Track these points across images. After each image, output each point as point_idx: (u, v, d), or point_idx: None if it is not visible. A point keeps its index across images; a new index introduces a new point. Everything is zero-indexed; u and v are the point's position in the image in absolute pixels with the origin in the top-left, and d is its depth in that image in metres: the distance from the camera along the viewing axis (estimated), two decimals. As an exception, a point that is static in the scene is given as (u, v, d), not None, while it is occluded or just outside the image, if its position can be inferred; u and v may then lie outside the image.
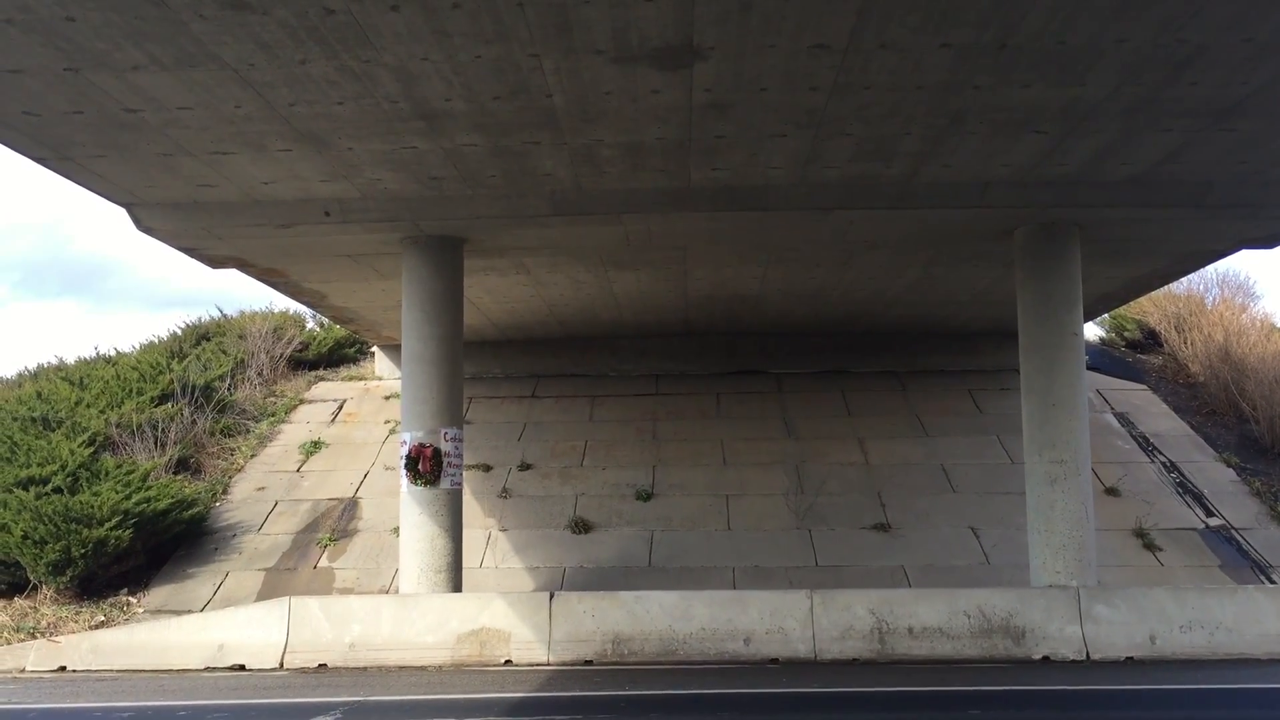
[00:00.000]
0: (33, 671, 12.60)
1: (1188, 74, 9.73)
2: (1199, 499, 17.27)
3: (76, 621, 14.26)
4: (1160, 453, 18.67)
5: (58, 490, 15.55)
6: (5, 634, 13.79)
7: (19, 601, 14.71)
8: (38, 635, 13.69)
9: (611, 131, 10.98)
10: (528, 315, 19.41)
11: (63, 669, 12.62)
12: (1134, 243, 14.86)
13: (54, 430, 17.45)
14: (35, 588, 14.85)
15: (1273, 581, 15.08)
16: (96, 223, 74.23)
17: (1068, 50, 9.25)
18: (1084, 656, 12.33)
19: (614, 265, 16.05)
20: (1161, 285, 18.91)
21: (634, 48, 9.10)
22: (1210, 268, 19.88)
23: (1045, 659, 12.33)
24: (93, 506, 14.95)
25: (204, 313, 31.57)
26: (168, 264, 77.13)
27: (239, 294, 47.55)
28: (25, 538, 14.47)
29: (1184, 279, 20.03)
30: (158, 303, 63.58)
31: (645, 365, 21.50)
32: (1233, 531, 16.41)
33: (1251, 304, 23.26)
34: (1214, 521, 16.67)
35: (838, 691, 10.66)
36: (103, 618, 14.45)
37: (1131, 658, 12.30)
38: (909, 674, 11.60)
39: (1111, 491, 17.28)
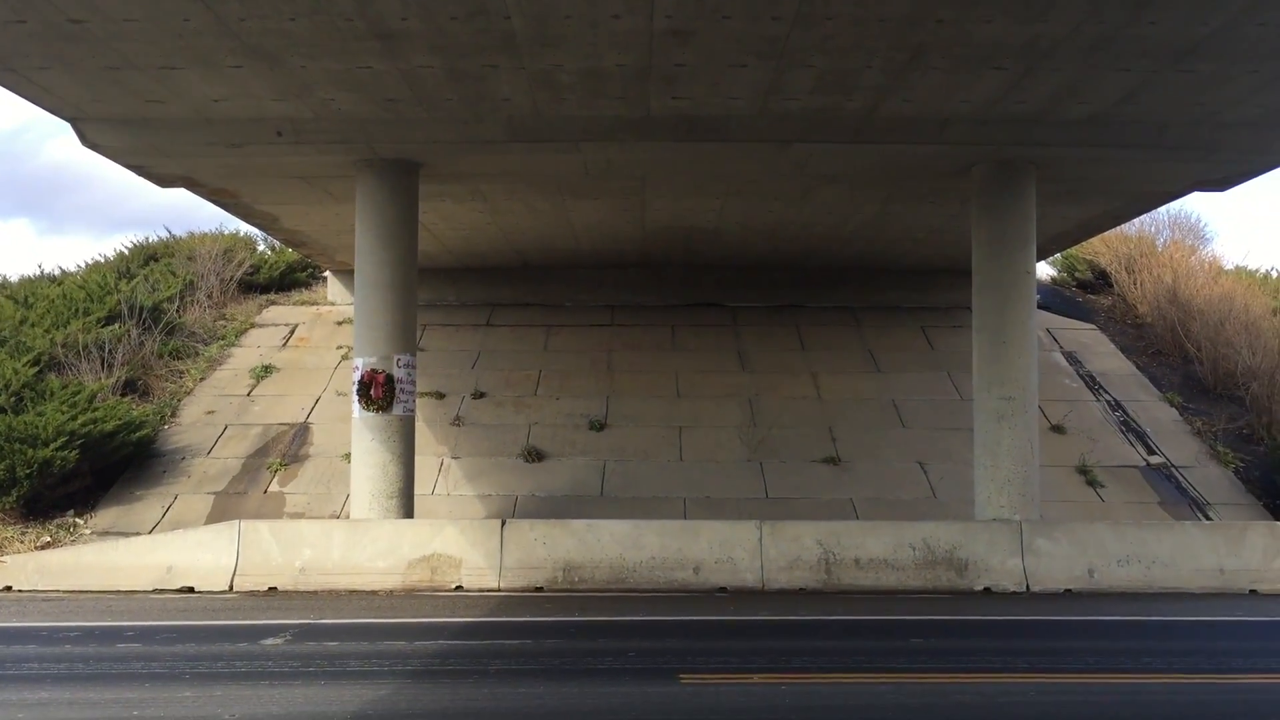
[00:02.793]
0: (-22, 591, 12.53)
1: (1148, 13, 9.74)
2: (1141, 437, 17.63)
3: (22, 542, 14.14)
4: (1106, 391, 18.99)
5: (1, 410, 15.32)
6: (-51, 554, 13.67)
7: (-37, 522, 14.58)
8: (-17, 555, 13.58)
9: (571, 57, 10.81)
10: (484, 243, 19.24)
11: (8, 589, 12.54)
12: (1089, 182, 14.97)
13: (-2, 349, 17.16)
14: (-21, 508, 14.70)
15: (1209, 518, 15.48)
16: (61, 136, 71.81)
17: (1031, -14, 9.22)
18: (1024, 588, 12.63)
19: (572, 194, 15.91)
20: (1114, 225, 19.09)
21: (595, -30, 8.94)
22: (1162, 209, 20.07)
23: (986, 590, 12.61)
24: (37, 426, 14.75)
25: (152, 233, 30.87)
26: (128, 182, 74.80)
27: (202, 215, 46.38)
28: (-31, 457, 14.28)
29: (1136, 220, 20.26)
30: (116, 223, 62.01)
31: (601, 296, 21.44)
32: (1173, 470, 16.79)
33: (1201, 246, 23.58)
34: (1155, 459, 17.04)
35: (784, 619, 10.86)
36: (49, 539, 14.33)
37: (1070, 590, 12.62)
38: (854, 603, 11.84)
39: (1057, 429, 17.59)
